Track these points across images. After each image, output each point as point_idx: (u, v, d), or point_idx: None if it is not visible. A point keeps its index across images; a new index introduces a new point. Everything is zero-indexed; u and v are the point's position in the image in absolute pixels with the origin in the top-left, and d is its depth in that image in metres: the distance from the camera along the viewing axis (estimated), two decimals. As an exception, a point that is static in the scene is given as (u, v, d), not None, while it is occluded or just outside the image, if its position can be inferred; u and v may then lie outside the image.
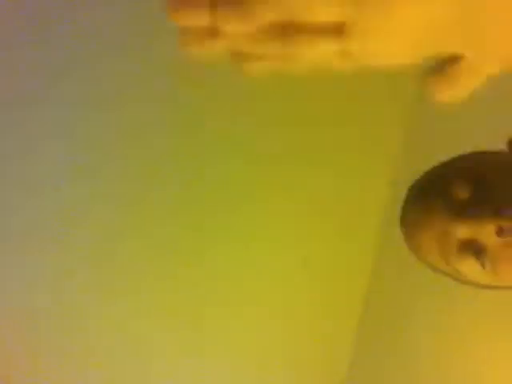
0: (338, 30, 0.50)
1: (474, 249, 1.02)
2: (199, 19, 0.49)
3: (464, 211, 1.00)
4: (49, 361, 1.47)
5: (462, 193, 1.02)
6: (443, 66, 0.55)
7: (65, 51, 1.33)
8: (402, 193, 1.13)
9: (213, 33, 0.50)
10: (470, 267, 1.03)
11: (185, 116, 1.53)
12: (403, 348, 1.82)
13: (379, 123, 1.77)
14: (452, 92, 0.56)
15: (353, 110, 1.77)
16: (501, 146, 1.13)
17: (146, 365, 1.60)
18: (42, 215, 1.41)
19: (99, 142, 1.44)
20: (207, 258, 1.64)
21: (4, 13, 1.23)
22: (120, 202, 1.51)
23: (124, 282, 1.54)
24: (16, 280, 1.41)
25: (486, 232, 0.99)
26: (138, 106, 1.46)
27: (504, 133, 1.13)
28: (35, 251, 1.41)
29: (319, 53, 0.51)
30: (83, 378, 1.51)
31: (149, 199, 1.54)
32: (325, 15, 0.49)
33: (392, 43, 0.52)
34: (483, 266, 1.01)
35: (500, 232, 0.97)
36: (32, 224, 1.40)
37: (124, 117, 1.45)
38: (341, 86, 1.60)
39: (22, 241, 1.40)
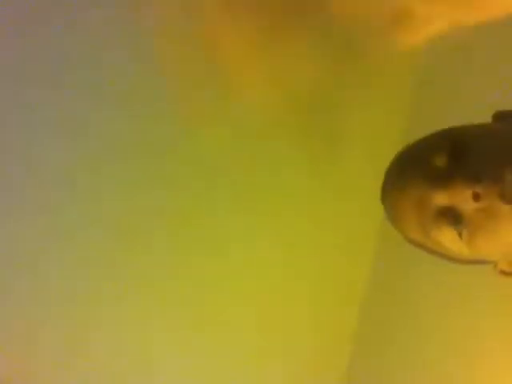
0: None
1: (450, 216, 1.00)
2: None
3: (441, 177, 1.00)
4: (48, 360, 1.47)
5: (440, 160, 1.01)
6: None
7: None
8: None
9: None
10: (448, 237, 1.02)
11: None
12: (403, 346, 1.83)
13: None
14: None
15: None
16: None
17: (147, 364, 1.60)
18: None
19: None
20: (207, 256, 1.64)
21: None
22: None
23: (123, 282, 1.53)
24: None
25: (463, 198, 0.98)
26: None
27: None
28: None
29: None
30: (83, 379, 1.51)
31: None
32: None
33: None
34: (460, 235, 1.00)
35: (476, 197, 0.97)
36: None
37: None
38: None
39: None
